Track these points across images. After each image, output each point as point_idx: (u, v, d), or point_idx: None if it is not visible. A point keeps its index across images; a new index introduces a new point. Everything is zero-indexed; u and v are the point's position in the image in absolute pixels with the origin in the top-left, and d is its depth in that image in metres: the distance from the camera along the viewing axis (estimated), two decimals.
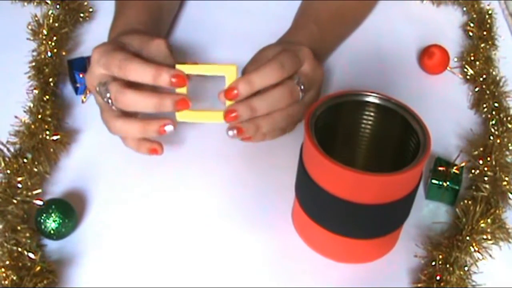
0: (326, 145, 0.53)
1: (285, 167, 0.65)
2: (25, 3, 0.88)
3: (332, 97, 0.58)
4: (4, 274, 0.53)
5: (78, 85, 0.74)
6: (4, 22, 0.86)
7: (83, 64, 0.73)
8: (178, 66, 0.59)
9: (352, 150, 0.63)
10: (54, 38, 0.77)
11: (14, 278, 0.53)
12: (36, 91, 0.71)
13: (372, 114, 0.60)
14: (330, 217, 0.56)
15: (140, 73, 0.58)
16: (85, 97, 0.74)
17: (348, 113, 0.60)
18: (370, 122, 0.61)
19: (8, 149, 0.63)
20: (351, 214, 0.55)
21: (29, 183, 0.61)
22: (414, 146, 0.56)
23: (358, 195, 0.53)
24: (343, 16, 0.82)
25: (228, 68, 0.60)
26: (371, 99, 0.59)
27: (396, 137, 0.59)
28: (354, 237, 0.57)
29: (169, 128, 0.60)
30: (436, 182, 0.63)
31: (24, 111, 0.69)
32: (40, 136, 0.65)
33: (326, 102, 0.57)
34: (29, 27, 0.79)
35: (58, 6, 0.84)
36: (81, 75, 0.73)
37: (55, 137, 0.65)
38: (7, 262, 0.54)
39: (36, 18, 0.79)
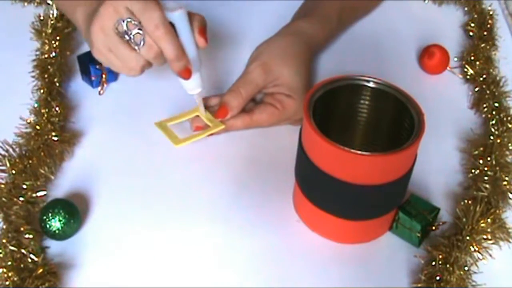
0: (324, 128, 0.55)
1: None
2: (25, 4, 0.88)
3: (329, 81, 0.60)
4: (5, 275, 0.53)
5: (93, 78, 0.74)
6: (4, 23, 0.86)
7: None
8: (156, 124, 0.68)
9: (349, 133, 0.65)
10: (58, 37, 0.77)
11: (16, 279, 0.53)
12: (41, 91, 0.71)
13: (368, 97, 0.62)
14: (329, 198, 0.58)
15: (168, 47, 0.61)
16: (102, 89, 0.74)
17: (345, 96, 0.62)
18: (366, 105, 0.63)
19: (13, 150, 0.63)
20: (349, 195, 0.56)
21: (34, 184, 0.61)
22: (408, 127, 0.57)
23: (356, 176, 0.55)
24: (350, 9, 0.84)
25: (197, 109, 0.69)
26: (366, 83, 0.61)
27: (392, 119, 0.61)
28: (353, 218, 0.59)
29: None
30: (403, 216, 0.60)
31: (30, 112, 0.69)
32: (46, 137, 0.65)
33: (323, 87, 0.59)
34: (32, 27, 0.79)
35: None
36: (97, 66, 0.73)
37: (58, 138, 0.66)
38: (9, 263, 0.54)
39: (41, 18, 0.79)
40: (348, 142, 0.55)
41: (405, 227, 0.60)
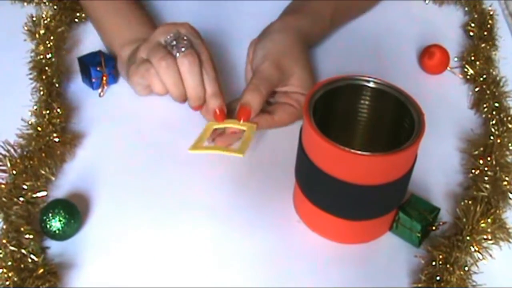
0: (324, 128, 0.55)
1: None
2: (25, 4, 0.88)
3: (329, 81, 0.60)
4: (6, 275, 0.53)
5: (93, 80, 0.74)
6: (4, 23, 0.86)
7: (96, 59, 0.74)
8: (192, 150, 0.64)
9: (349, 133, 0.65)
10: (52, 37, 0.77)
11: (16, 279, 0.53)
12: (41, 93, 0.71)
13: (368, 97, 0.62)
14: (329, 198, 0.58)
15: (211, 81, 0.66)
16: (102, 91, 0.74)
17: (345, 97, 0.61)
18: (366, 105, 0.63)
19: (15, 150, 0.63)
20: (349, 195, 0.56)
21: (34, 185, 0.62)
22: (408, 127, 0.57)
23: (356, 176, 0.55)
24: (345, 9, 0.84)
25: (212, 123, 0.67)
26: (366, 83, 0.61)
27: (392, 119, 0.61)
28: (353, 218, 0.59)
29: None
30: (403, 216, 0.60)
31: (31, 113, 0.69)
32: (47, 138, 0.65)
33: (324, 87, 0.59)
34: (25, 27, 0.79)
35: (55, 7, 0.84)
36: (98, 68, 0.73)
37: (59, 139, 0.66)
38: (9, 263, 0.54)
39: (33, 18, 0.79)
40: (348, 142, 0.55)
41: (405, 227, 0.60)
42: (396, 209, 0.60)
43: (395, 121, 0.61)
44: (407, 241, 0.61)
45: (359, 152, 0.53)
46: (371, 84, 0.61)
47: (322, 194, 0.58)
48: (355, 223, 0.59)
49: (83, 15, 0.85)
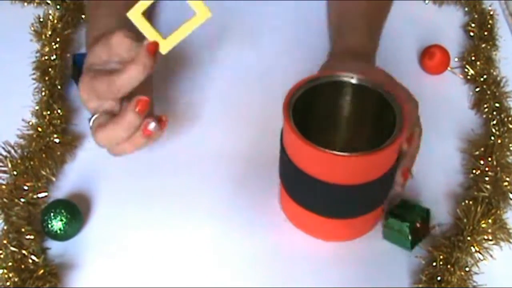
0: (305, 128, 0.54)
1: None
2: (25, 4, 0.88)
3: (309, 80, 0.59)
4: (6, 276, 0.54)
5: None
6: (3, 23, 0.86)
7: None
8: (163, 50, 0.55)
9: (331, 131, 0.64)
10: (58, 39, 0.77)
11: (16, 280, 0.53)
12: (43, 93, 0.71)
13: (348, 94, 0.61)
14: (311, 198, 0.58)
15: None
16: None
17: (326, 95, 0.60)
18: (347, 102, 0.62)
19: (15, 151, 0.64)
20: (330, 195, 0.56)
21: (35, 185, 0.62)
22: (391, 124, 0.56)
23: (336, 176, 0.54)
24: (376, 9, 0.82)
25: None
26: (347, 79, 0.59)
27: (374, 116, 0.60)
28: (337, 217, 0.58)
29: (151, 125, 0.57)
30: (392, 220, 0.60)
31: (31, 114, 0.69)
32: (47, 139, 0.65)
33: (303, 86, 0.58)
34: (32, 28, 0.79)
35: (58, 7, 0.84)
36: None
37: (60, 140, 0.66)
38: (10, 264, 0.54)
39: (41, 19, 0.79)
40: (331, 141, 0.54)
41: (394, 231, 0.60)
42: (382, 206, 0.60)
43: (377, 116, 0.59)
44: (400, 245, 0.60)
45: (338, 152, 0.52)
46: (353, 81, 0.59)
47: (305, 194, 0.58)
48: (339, 221, 0.59)
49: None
